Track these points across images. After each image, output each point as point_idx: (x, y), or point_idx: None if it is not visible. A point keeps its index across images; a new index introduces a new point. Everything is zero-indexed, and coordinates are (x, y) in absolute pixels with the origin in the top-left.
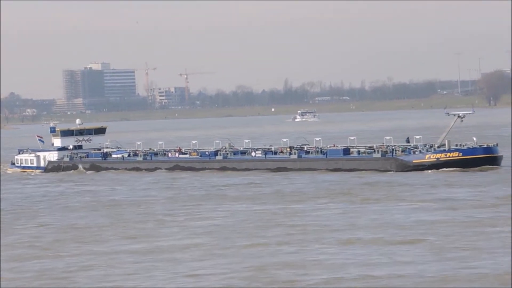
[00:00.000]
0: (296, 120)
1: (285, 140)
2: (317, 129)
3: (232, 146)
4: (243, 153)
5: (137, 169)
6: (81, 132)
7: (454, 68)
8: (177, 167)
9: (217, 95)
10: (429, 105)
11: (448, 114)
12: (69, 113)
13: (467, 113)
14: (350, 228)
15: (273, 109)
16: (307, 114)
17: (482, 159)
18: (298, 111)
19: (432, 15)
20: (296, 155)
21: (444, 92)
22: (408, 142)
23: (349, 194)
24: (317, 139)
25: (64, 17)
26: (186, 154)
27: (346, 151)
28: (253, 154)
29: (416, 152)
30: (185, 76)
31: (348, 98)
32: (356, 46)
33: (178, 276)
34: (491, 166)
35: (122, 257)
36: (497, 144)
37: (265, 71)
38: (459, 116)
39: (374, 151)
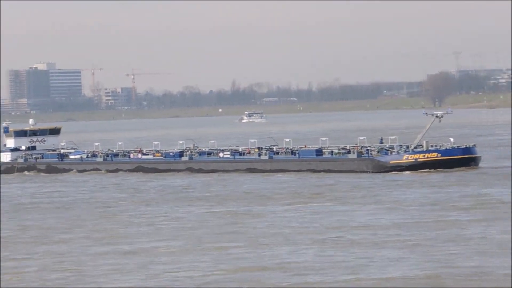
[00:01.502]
0: (243, 121)
1: (253, 140)
2: (264, 130)
3: (196, 146)
4: (209, 154)
5: (97, 170)
6: (34, 133)
7: (400, 70)
8: (140, 168)
9: (164, 95)
10: (375, 106)
11: (426, 114)
12: (13, 113)
13: (445, 113)
14: (314, 231)
15: (220, 110)
16: (254, 115)
17: (461, 159)
18: (245, 112)
19: (378, 18)
20: (267, 156)
21: (390, 94)
22: (382, 143)
23: (315, 196)
24: (287, 139)
25: (10, 17)
26: (148, 155)
27: (319, 151)
28: (220, 155)
29: (393, 153)
30: (132, 77)
31: (295, 99)
32: (303, 48)
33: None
34: (470, 167)
35: (85, 260)
36: (474, 145)
37: (213, 72)
38: (437, 116)
39: (349, 151)
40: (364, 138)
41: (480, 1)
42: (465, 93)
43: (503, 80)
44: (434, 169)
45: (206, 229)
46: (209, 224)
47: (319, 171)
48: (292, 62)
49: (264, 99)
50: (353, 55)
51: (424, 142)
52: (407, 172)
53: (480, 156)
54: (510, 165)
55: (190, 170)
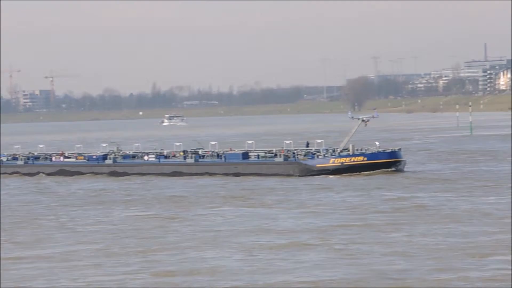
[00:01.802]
0: (164, 124)
1: (178, 144)
2: (185, 133)
3: (120, 149)
4: (133, 157)
5: (17, 173)
6: None
7: (321, 74)
8: (62, 171)
9: (83, 98)
10: (296, 110)
11: (352, 118)
12: None
13: (371, 117)
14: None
15: (141, 113)
16: (175, 118)
17: (387, 163)
18: (166, 115)
19: (299, 21)
20: (193, 159)
21: (310, 98)
22: (308, 146)
23: (238, 198)
24: (213, 143)
25: None
26: (70, 158)
27: (245, 155)
28: (145, 158)
29: (320, 157)
30: (51, 79)
31: (216, 102)
32: (224, 51)
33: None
34: (395, 171)
35: (5, 263)
36: (400, 149)
37: (133, 74)
38: (363, 120)
39: (275, 155)
40: (291, 142)
41: (399, 6)
42: (384, 98)
43: (421, 85)
44: (360, 172)
45: (129, 233)
46: (132, 227)
47: (246, 174)
48: (213, 65)
49: (185, 102)
50: (273, 59)
51: (350, 146)
52: (332, 176)
53: (405, 160)
54: (413, 169)
55: (114, 173)
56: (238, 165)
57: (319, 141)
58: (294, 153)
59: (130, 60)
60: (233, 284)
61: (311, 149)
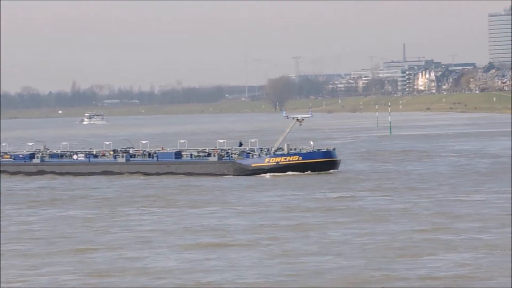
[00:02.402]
0: (84, 123)
1: (107, 143)
2: (105, 132)
3: (47, 148)
4: (61, 156)
5: None
6: None
7: (242, 74)
8: None
9: (2, 96)
10: (218, 109)
11: (287, 117)
12: None
13: (305, 116)
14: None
15: (60, 111)
16: (95, 117)
17: (322, 163)
18: (86, 114)
19: (221, 20)
20: (124, 158)
21: (232, 97)
22: (241, 146)
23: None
24: (144, 142)
25: None
26: None
27: (178, 154)
28: (74, 157)
29: (255, 156)
30: None
31: (137, 101)
32: (145, 50)
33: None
34: (331, 170)
35: None
36: (334, 148)
37: (52, 72)
38: (298, 119)
39: (209, 154)
40: (224, 141)
41: (320, 6)
42: (305, 98)
43: (341, 85)
44: (297, 172)
45: (57, 232)
46: (61, 227)
47: (179, 174)
48: (134, 64)
49: (106, 101)
50: (195, 58)
51: (285, 145)
52: (266, 175)
53: (340, 160)
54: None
55: (42, 172)
56: (171, 164)
57: (253, 140)
58: (227, 152)
59: (49, 58)
60: (165, 283)
61: (245, 149)
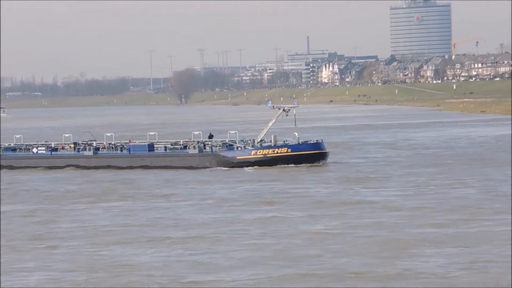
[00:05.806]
0: None
1: (67, 135)
2: (11, 126)
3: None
4: (14, 149)
5: None
6: None
7: (147, 66)
8: None
9: None
10: (123, 101)
11: (273, 107)
12: None
13: (292, 106)
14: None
15: None
16: None
17: (311, 155)
18: None
19: (124, 12)
20: (92, 151)
21: (137, 89)
22: (211, 138)
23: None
24: (108, 134)
25: None
26: None
27: (151, 147)
28: (34, 150)
29: (240, 148)
30: None
31: (40, 93)
32: (49, 41)
33: None
34: (320, 163)
35: None
36: (322, 140)
37: None
38: (284, 110)
39: (185, 147)
40: (200, 133)
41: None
42: (210, 90)
43: (246, 78)
44: (285, 164)
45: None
46: (17, 224)
47: (154, 167)
48: (36, 56)
49: (7, 93)
50: (99, 50)
51: (272, 136)
52: (251, 168)
53: (328, 152)
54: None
55: None
56: (145, 157)
57: (232, 132)
58: (204, 143)
59: None
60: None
61: (225, 140)
